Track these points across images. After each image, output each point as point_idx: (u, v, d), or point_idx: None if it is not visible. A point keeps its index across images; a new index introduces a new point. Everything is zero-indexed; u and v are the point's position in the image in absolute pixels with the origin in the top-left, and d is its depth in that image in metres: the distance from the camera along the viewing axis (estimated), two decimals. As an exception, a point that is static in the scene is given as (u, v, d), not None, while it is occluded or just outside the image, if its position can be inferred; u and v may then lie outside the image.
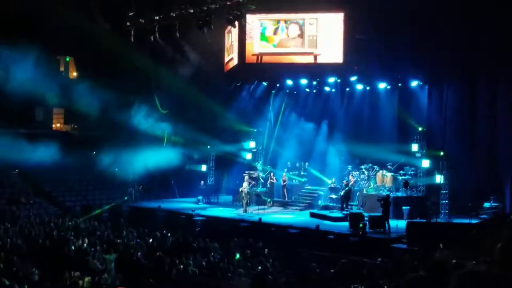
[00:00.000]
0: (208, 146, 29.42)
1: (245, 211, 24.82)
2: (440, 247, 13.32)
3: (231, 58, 27.42)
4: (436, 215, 21.50)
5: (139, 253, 16.00)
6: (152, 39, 26.31)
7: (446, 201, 21.89)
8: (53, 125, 38.35)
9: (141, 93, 29.61)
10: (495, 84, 22.11)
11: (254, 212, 24.30)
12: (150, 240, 19.16)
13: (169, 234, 19.65)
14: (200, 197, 28.29)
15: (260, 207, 24.92)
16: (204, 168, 29.70)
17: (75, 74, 38.47)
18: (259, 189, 27.24)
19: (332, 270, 13.88)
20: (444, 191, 21.98)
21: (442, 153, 22.54)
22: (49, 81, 28.88)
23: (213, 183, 29.78)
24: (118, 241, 18.16)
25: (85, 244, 17.79)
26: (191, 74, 28.59)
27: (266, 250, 17.35)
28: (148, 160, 28.88)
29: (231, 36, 27.21)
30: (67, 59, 38.54)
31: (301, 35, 24.95)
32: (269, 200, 27.01)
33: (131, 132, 29.70)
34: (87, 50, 30.17)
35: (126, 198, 27.90)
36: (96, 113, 30.74)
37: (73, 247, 17.02)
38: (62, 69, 38.89)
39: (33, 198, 29.21)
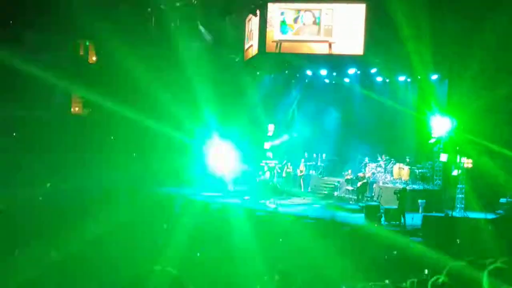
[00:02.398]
0: None
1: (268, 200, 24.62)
2: (456, 242, 13.27)
3: (251, 45, 27.40)
4: (452, 209, 21.46)
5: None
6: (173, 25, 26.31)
7: (462, 196, 21.79)
8: (72, 109, 38.55)
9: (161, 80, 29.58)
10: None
11: (271, 202, 24.35)
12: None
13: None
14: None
15: (277, 197, 24.98)
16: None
17: (94, 58, 38.63)
18: (276, 178, 27.23)
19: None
20: (461, 186, 21.87)
21: (458, 148, 22.42)
22: (68, 65, 29.10)
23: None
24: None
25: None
26: (211, 61, 28.47)
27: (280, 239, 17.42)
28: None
29: (251, 24, 27.17)
30: (87, 43, 38.72)
31: (316, 23, 24.85)
32: (286, 190, 27.06)
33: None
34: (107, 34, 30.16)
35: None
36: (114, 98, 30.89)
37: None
38: (81, 53, 39.10)
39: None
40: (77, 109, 38.43)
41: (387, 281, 8.96)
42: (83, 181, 23.95)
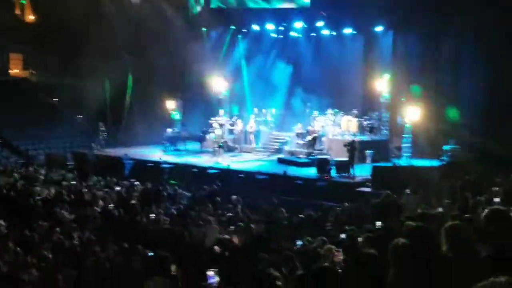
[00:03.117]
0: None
1: (219, 158, 24.64)
2: (406, 192, 13.70)
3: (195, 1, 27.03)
4: (398, 158, 22.09)
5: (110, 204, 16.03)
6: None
7: (409, 145, 22.39)
8: (10, 71, 37.21)
9: (104, 39, 28.81)
10: (461, 34, 22.24)
11: (222, 159, 24.41)
12: (118, 189, 19.19)
13: (137, 183, 19.67)
14: (167, 144, 28.24)
15: (228, 153, 25.07)
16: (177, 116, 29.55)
17: (31, 17, 37.19)
18: (226, 136, 27.24)
19: (300, 215, 14.27)
20: (407, 135, 22.44)
21: (403, 99, 22.93)
22: (3, 24, 27.94)
23: (180, 129, 29.68)
24: (85, 190, 18.09)
25: (50, 194, 17.71)
26: (156, 17, 27.84)
27: (235, 196, 17.54)
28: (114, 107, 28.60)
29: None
30: (23, 1, 37.17)
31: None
32: (237, 146, 27.19)
33: (93, 78, 29.13)
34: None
35: (92, 145, 27.57)
36: (56, 60, 30.05)
37: (39, 197, 16.91)
38: (17, 12, 37.56)
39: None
40: (16, 71, 37.13)
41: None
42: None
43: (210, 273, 4.94)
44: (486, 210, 4.20)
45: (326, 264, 3.89)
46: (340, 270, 4.94)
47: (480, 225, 4.46)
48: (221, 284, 4.95)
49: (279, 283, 3.35)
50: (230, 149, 26.08)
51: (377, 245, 5.56)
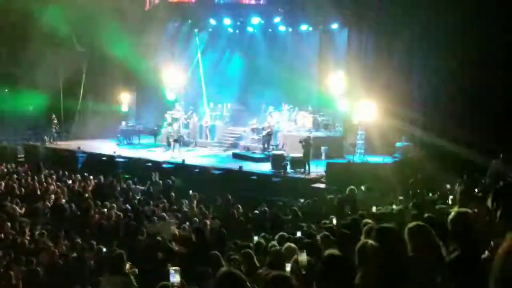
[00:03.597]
0: None
1: (174, 152, 24.43)
2: (360, 189, 13.90)
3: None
4: (352, 154, 22.38)
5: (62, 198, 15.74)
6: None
7: (362, 141, 22.70)
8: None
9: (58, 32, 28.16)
10: (413, 32, 22.68)
11: (177, 154, 24.24)
12: (70, 182, 18.87)
13: (91, 177, 19.36)
14: (121, 138, 27.90)
15: (183, 148, 24.93)
16: (125, 108, 29.18)
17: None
18: (182, 130, 27.04)
19: (255, 211, 14.31)
20: (360, 132, 22.75)
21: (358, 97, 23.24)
22: None
23: (134, 123, 29.36)
24: (37, 184, 17.71)
25: (1, 188, 17.30)
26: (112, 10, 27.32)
27: (190, 191, 17.47)
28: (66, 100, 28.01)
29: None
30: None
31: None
32: (192, 141, 27.05)
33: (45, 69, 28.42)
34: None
35: (45, 138, 26.93)
36: (6, 50, 29.17)
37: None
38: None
39: None
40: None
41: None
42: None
43: (171, 270, 4.88)
44: (452, 213, 4.33)
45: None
46: (304, 271, 4.99)
47: (441, 226, 4.58)
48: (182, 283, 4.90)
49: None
50: (185, 144, 25.90)
51: (338, 244, 5.65)
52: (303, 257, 5.09)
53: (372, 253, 3.94)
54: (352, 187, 13.63)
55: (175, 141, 24.53)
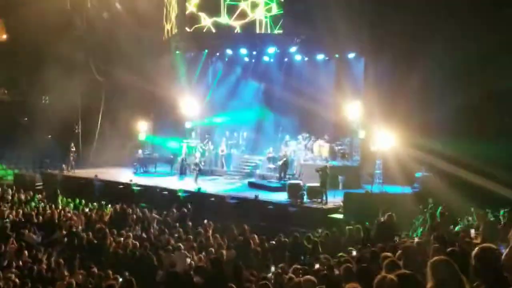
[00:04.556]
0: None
1: (196, 181, 24.36)
2: (380, 220, 13.68)
3: (170, 24, 27.10)
4: (371, 184, 22.18)
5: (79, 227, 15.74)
6: (89, 5, 25.45)
7: (380, 171, 22.52)
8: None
9: (77, 61, 28.59)
10: (431, 62, 22.62)
11: (197, 182, 24.24)
12: (87, 210, 18.89)
13: (108, 205, 19.38)
14: (138, 166, 28.01)
15: (199, 176, 24.94)
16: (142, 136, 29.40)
17: (4, 37, 36.72)
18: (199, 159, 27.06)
19: (272, 242, 14.17)
20: (379, 161, 22.58)
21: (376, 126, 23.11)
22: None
23: (151, 151, 29.48)
24: (54, 212, 17.74)
25: (19, 216, 17.35)
26: (129, 39, 27.69)
27: (205, 220, 17.38)
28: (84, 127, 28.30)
29: (170, 3, 26.84)
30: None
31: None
32: (208, 169, 27.05)
33: (64, 98, 28.79)
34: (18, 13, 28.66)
35: (63, 166, 27.08)
36: (26, 79, 29.64)
37: (7, 219, 16.55)
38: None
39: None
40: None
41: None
42: None
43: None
44: (476, 249, 4.22)
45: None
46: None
47: (464, 260, 4.47)
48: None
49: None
50: (201, 172, 25.88)
51: (358, 276, 5.53)
52: None
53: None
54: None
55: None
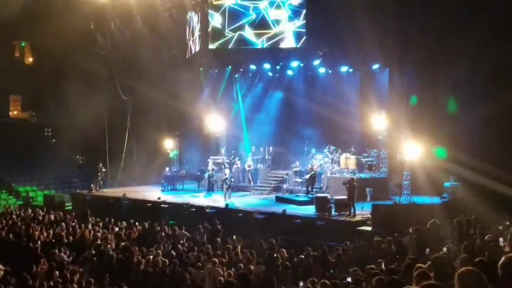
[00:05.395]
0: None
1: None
2: (409, 232, 13.52)
3: (193, 41, 27.42)
4: (399, 195, 21.97)
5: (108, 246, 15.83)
6: (113, 24, 25.88)
7: (408, 182, 22.29)
8: (10, 112, 37.50)
9: (102, 80, 29.04)
10: (457, 70, 22.40)
11: (219, 198, 24.34)
12: (116, 230, 19.01)
13: (137, 223, 19.51)
14: (165, 184, 28.19)
15: (226, 193, 25.00)
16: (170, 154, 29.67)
17: (31, 59, 37.58)
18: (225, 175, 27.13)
19: (301, 256, 14.08)
20: (406, 172, 22.37)
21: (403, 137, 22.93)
22: (4, 66, 28.06)
23: (178, 169, 29.68)
24: (84, 232, 17.92)
25: (50, 236, 17.55)
26: (153, 57, 28.01)
27: (234, 236, 17.40)
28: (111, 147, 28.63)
29: (193, 21, 27.11)
30: (23, 44, 37.65)
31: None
32: (235, 185, 27.09)
33: (92, 119, 29.25)
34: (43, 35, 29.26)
35: (91, 186, 27.39)
36: (54, 100, 30.16)
37: (38, 240, 16.76)
38: (17, 54, 38.02)
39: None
40: (15, 112, 37.41)
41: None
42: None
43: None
44: (503, 258, 4.14)
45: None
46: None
47: (490, 269, 4.40)
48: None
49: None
50: (228, 188, 25.92)
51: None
52: None
53: None
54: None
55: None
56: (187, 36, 28.40)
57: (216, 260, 13.42)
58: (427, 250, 11.22)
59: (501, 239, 8.98)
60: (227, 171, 25.55)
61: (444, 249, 9.74)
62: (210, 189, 26.62)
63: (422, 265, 6.26)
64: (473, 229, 11.09)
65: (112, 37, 28.54)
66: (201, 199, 24.94)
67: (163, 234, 18.15)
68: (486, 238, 9.02)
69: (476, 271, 4.13)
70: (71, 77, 27.59)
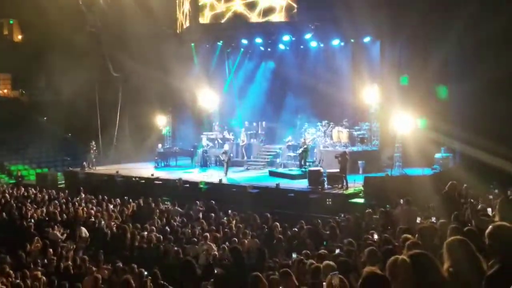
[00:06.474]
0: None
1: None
2: (400, 202, 13.65)
3: (184, 16, 27.23)
4: (391, 167, 22.09)
5: (102, 222, 15.90)
6: (101, 0, 25.59)
7: (399, 154, 22.41)
8: (0, 91, 37.25)
9: (92, 57, 28.80)
10: (449, 42, 22.34)
11: (214, 173, 24.40)
12: (111, 207, 19.06)
13: (130, 200, 19.56)
14: (158, 160, 28.20)
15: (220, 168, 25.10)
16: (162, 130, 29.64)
17: (20, 37, 37.19)
18: (218, 150, 27.22)
19: (294, 229, 14.19)
20: (398, 145, 22.46)
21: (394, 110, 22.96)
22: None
23: (171, 145, 29.67)
24: (77, 209, 17.98)
25: (43, 214, 17.59)
26: (143, 34, 27.76)
27: (229, 211, 17.51)
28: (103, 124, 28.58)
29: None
30: (11, 21, 37.22)
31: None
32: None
33: (82, 96, 29.12)
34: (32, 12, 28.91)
35: (83, 163, 27.35)
36: (44, 78, 29.96)
37: (31, 219, 16.80)
38: (6, 32, 37.62)
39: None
40: (5, 91, 37.11)
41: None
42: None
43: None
44: (489, 227, 4.19)
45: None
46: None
47: (479, 238, 4.46)
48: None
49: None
50: (221, 163, 26.00)
51: (384, 259, 5.49)
52: (335, 280, 4.92)
53: (401, 268, 3.85)
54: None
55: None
56: (177, 11, 28.12)
57: (208, 235, 13.51)
58: (418, 219, 11.34)
59: (489, 209, 9.08)
60: (226, 146, 25.60)
61: (433, 219, 9.85)
62: (205, 164, 26.69)
63: (409, 236, 6.34)
64: (464, 199, 11.18)
65: (101, 14, 28.24)
66: (194, 175, 24.95)
67: (157, 210, 18.23)
68: (476, 208, 9.11)
69: (464, 240, 4.19)
70: (61, 54, 27.27)
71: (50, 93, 31.33)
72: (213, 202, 18.61)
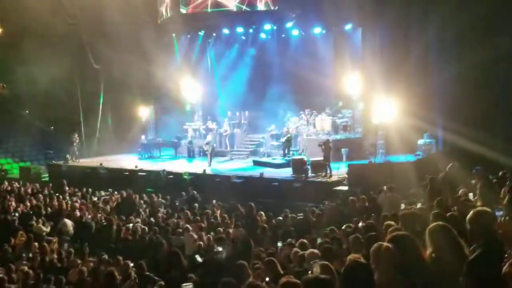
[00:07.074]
0: None
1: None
2: (383, 189, 13.77)
3: (164, 6, 27.07)
4: (374, 155, 22.21)
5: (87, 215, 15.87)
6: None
7: (382, 141, 22.53)
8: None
9: (73, 50, 28.53)
10: (429, 30, 22.42)
11: (199, 164, 24.40)
12: (94, 199, 19.03)
13: (115, 192, 19.52)
14: (142, 152, 28.11)
15: (204, 158, 25.07)
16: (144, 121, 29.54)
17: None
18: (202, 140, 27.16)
19: (279, 218, 14.28)
20: (381, 132, 22.57)
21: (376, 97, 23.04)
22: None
23: (154, 136, 29.57)
24: (61, 203, 17.90)
25: (27, 208, 17.51)
26: (124, 24, 27.50)
27: (214, 201, 17.55)
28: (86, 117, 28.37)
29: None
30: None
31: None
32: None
33: (64, 89, 28.89)
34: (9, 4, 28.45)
35: (67, 156, 27.17)
36: (26, 72, 29.59)
37: (15, 213, 16.72)
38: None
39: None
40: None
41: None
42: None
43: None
44: (470, 213, 4.27)
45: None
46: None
47: (462, 224, 4.53)
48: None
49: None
50: (205, 154, 25.99)
51: (367, 246, 5.56)
52: (317, 267, 4.96)
53: (385, 255, 3.91)
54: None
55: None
56: (157, 1, 27.93)
57: (189, 226, 13.53)
58: (402, 206, 11.46)
59: (471, 194, 9.20)
60: (209, 136, 25.60)
61: (419, 205, 9.96)
62: (191, 155, 26.70)
63: (391, 223, 6.42)
64: (446, 185, 11.31)
65: (81, 6, 27.97)
66: (178, 166, 24.91)
67: (142, 202, 18.23)
68: (458, 193, 9.23)
69: (446, 226, 4.26)
70: (41, 47, 26.95)
71: (30, 86, 30.94)
72: (195, 192, 18.65)
